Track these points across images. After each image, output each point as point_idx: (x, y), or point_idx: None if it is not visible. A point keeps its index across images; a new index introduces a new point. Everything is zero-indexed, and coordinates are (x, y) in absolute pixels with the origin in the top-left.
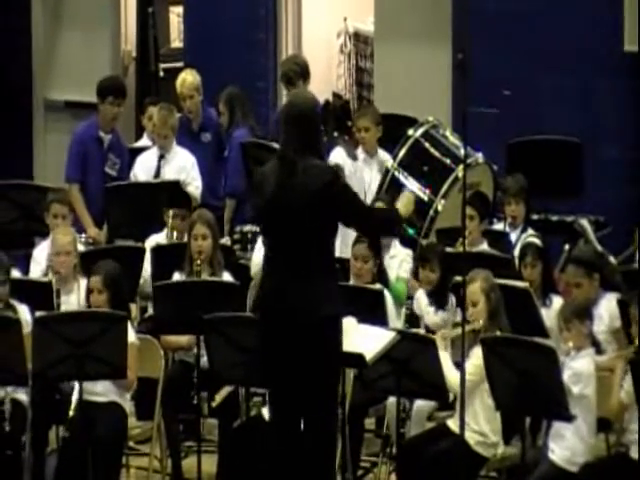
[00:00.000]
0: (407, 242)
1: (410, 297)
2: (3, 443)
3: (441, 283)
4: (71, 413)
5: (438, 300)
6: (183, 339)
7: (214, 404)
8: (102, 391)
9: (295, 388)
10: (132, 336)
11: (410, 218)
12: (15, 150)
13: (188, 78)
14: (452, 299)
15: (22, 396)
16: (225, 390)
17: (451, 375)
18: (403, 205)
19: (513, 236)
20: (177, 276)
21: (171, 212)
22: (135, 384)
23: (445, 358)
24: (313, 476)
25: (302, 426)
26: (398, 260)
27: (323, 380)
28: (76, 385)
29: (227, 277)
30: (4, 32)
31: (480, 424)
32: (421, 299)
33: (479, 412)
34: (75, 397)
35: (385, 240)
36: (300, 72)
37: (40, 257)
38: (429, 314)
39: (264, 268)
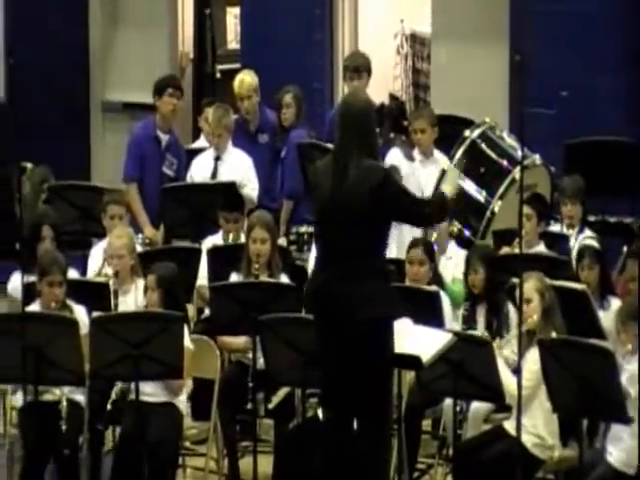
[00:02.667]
0: (463, 243)
1: (467, 299)
2: (60, 442)
3: (488, 286)
4: (109, 406)
5: (490, 309)
6: (239, 341)
7: (271, 406)
8: (152, 392)
9: (345, 389)
10: (186, 340)
11: (459, 196)
12: (73, 151)
13: (246, 79)
14: (507, 304)
15: (79, 397)
16: (282, 392)
17: (508, 382)
18: (449, 184)
19: (570, 238)
20: (234, 277)
21: (224, 215)
22: (188, 386)
23: (502, 365)
24: (366, 477)
25: (355, 426)
26: (454, 261)
27: (372, 381)
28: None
29: (284, 280)
30: (62, 34)
31: (538, 427)
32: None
33: (537, 415)
34: (114, 391)
35: (441, 242)
36: (366, 64)
37: (97, 257)
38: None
39: (314, 268)
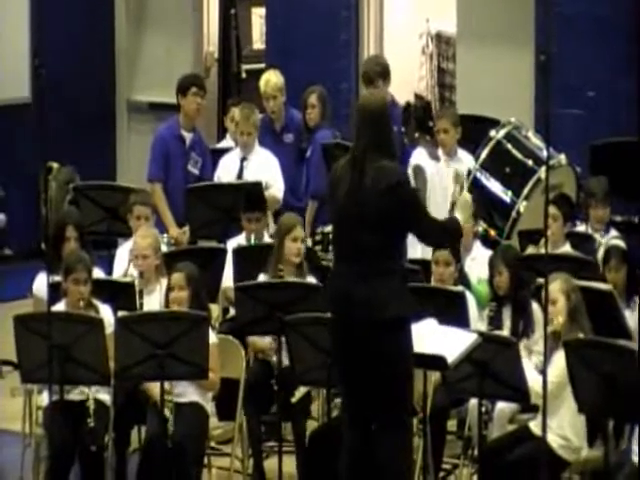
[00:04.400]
0: (489, 243)
1: (493, 299)
2: (88, 439)
3: (513, 287)
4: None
5: (515, 311)
6: (266, 343)
7: (294, 400)
8: (181, 392)
9: (363, 388)
10: (213, 337)
11: (469, 219)
12: (99, 151)
13: (272, 78)
14: (533, 305)
15: (105, 396)
16: (305, 387)
17: (534, 381)
18: (461, 209)
19: (596, 238)
20: (262, 278)
21: (246, 216)
22: (218, 385)
23: (528, 366)
24: (387, 477)
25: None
26: (480, 262)
27: (390, 381)
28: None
29: (312, 280)
30: (88, 35)
31: (564, 428)
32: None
33: (564, 416)
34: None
35: (467, 241)
36: (381, 72)
37: (123, 257)
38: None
39: (332, 268)
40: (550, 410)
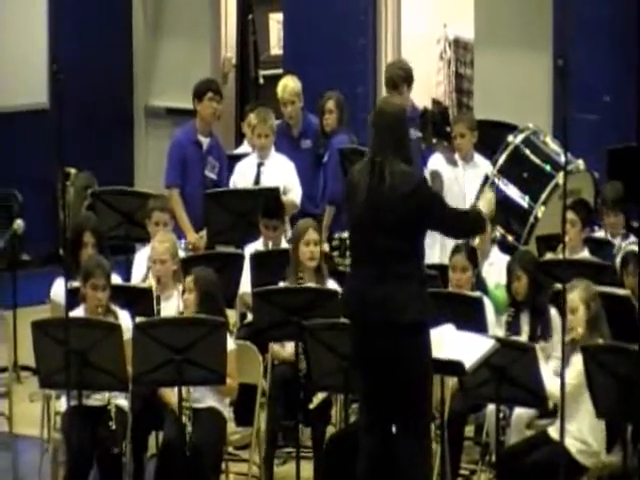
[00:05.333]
0: (506, 249)
1: (510, 305)
2: (110, 441)
3: (531, 293)
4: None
5: (534, 316)
6: (287, 352)
7: (312, 406)
8: (199, 397)
9: (382, 393)
10: (231, 343)
11: (491, 216)
12: (116, 157)
13: (290, 84)
14: (551, 310)
15: (123, 402)
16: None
17: (551, 384)
18: (484, 205)
19: (615, 244)
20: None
21: (264, 222)
22: (236, 391)
23: (545, 370)
24: None
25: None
26: (497, 267)
27: (408, 385)
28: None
29: (332, 285)
30: (106, 40)
31: (583, 432)
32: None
33: (583, 419)
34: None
35: (484, 247)
36: (405, 77)
37: (142, 263)
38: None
39: (349, 272)
40: (568, 413)
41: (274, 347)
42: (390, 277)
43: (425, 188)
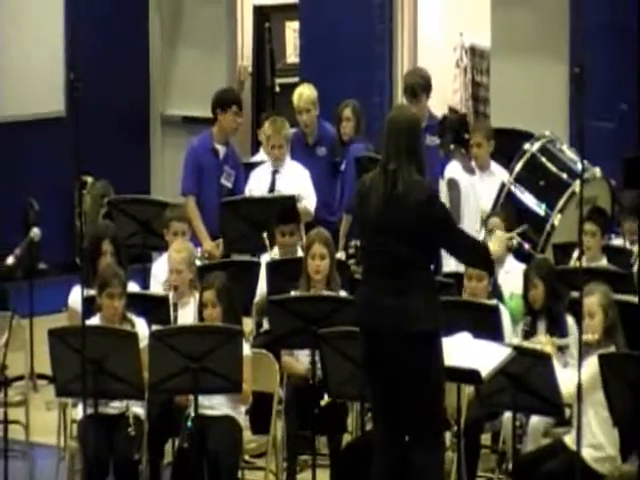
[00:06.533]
0: (522, 257)
1: (527, 313)
2: (130, 448)
3: (548, 301)
4: (189, 423)
5: (551, 324)
6: (301, 367)
7: (323, 402)
8: (216, 405)
9: (395, 402)
10: (246, 349)
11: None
12: (133, 165)
13: (305, 92)
14: (569, 319)
15: (139, 410)
16: None
17: (564, 380)
18: (495, 244)
19: (633, 251)
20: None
21: (280, 229)
22: (250, 398)
23: (558, 367)
24: None
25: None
26: (513, 276)
27: (422, 394)
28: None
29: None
30: (122, 49)
31: (596, 435)
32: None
33: (594, 424)
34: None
35: (500, 255)
36: (425, 86)
37: (159, 273)
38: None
39: (362, 281)
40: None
41: (286, 359)
42: (404, 285)
43: (436, 200)
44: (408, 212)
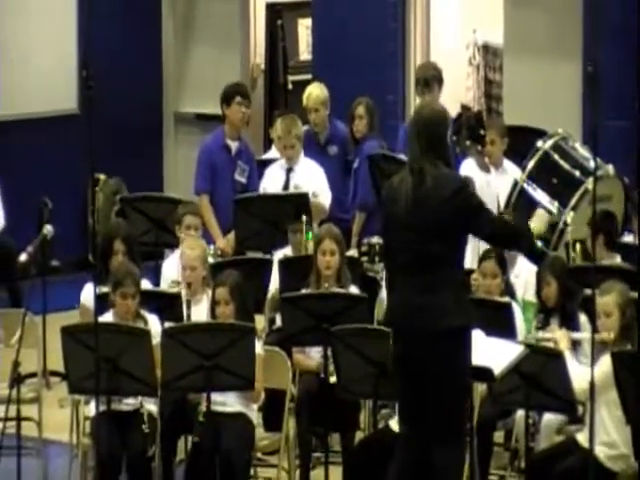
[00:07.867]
0: (533, 257)
1: (541, 311)
2: (144, 444)
3: (561, 298)
4: (200, 418)
5: (564, 322)
6: (312, 363)
7: (332, 379)
8: (229, 401)
9: (424, 402)
10: (258, 347)
11: (541, 236)
12: (146, 163)
13: (314, 92)
14: (581, 317)
15: (152, 407)
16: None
17: (576, 375)
18: (535, 223)
19: None
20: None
21: (292, 227)
22: (262, 395)
23: (569, 358)
24: None
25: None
26: (523, 279)
27: (450, 392)
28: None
29: (354, 291)
30: (135, 47)
31: (610, 434)
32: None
33: (607, 422)
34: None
35: (510, 256)
36: (437, 76)
37: (167, 272)
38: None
39: (391, 282)
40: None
41: (297, 356)
42: (437, 283)
43: (469, 188)
44: (441, 205)
